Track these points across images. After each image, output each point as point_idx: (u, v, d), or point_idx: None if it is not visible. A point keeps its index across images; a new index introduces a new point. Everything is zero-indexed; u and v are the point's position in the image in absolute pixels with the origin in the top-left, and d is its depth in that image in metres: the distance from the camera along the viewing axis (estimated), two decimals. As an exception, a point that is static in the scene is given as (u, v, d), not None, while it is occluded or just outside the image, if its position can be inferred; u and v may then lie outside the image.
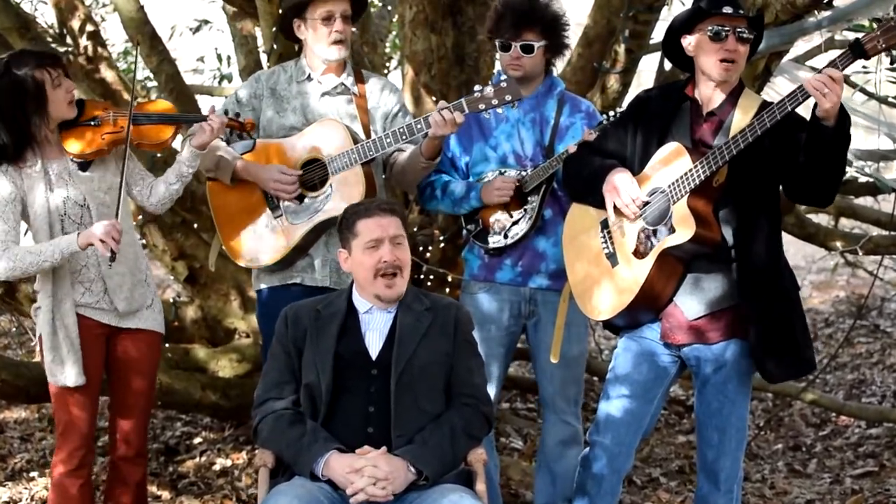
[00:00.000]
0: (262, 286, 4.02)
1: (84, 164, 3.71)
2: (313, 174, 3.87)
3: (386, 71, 6.93)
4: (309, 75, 3.99)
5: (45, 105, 3.63)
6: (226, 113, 3.89)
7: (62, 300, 3.68)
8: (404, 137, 3.77)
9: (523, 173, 3.97)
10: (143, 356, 3.83)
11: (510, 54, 3.96)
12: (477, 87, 3.71)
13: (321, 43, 3.90)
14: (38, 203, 3.65)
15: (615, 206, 3.50)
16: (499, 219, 4.02)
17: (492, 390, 3.96)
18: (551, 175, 3.93)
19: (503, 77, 3.80)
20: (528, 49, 3.96)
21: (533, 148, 4.03)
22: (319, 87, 3.98)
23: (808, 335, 3.52)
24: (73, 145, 3.69)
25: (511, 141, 4.04)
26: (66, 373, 3.67)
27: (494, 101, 3.69)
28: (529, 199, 3.97)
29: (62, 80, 3.66)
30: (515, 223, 3.99)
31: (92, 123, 3.72)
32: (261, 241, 3.95)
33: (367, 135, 3.94)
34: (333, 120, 3.91)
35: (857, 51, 3.20)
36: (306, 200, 3.88)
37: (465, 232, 4.15)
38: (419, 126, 3.74)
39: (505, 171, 4.00)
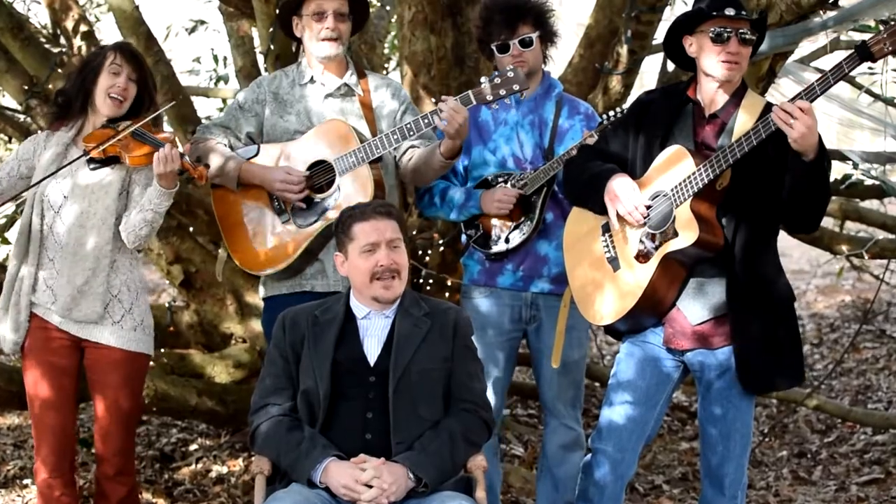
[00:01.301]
0: (271, 293, 3.95)
1: (97, 163, 3.67)
2: (320, 176, 3.81)
3: (385, 72, 6.88)
4: (311, 77, 3.93)
5: (93, 82, 3.68)
6: (235, 115, 3.93)
7: (28, 271, 3.68)
8: (411, 133, 3.71)
9: (523, 176, 3.91)
10: (112, 373, 3.70)
11: (510, 54, 3.91)
12: (483, 79, 3.65)
13: (313, 39, 3.86)
14: (38, 175, 3.69)
15: (618, 213, 3.44)
16: (500, 223, 3.96)
17: (495, 397, 3.93)
18: (552, 178, 3.89)
19: (509, 68, 3.71)
20: (527, 43, 3.92)
21: (532, 150, 3.98)
22: (322, 89, 3.93)
23: (797, 345, 3.45)
24: (88, 138, 3.71)
25: (510, 144, 4.00)
26: (2, 333, 3.73)
27: (502, 91, 3.63)
28: (531, 203, 3.91)
29: (121, 70, 3.69)
30: (517, 227, 3.95)
31: (111, 126, 3.72)
32: (268, 248, 3.88)
33: (374, 133, 3.88)
34: (338, 120, 3.85)
35: (863, 53, 3.16)
36: (314, 203, 3.81)
37: (464, 238, 4.10)
38: (426, 121, 3.68)
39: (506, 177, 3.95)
